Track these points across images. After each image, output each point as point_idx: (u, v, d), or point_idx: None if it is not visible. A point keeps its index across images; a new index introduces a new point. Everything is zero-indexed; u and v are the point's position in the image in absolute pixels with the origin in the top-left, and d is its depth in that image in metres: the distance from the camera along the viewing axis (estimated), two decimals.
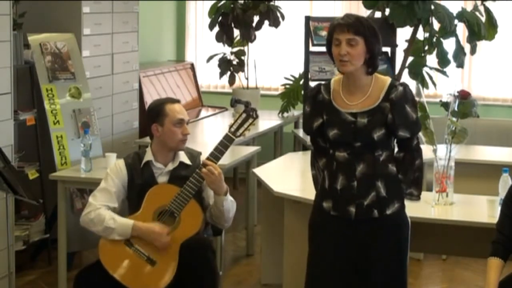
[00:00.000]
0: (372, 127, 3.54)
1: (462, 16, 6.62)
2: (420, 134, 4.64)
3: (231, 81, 8.05)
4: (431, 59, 6.84)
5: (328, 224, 3.64)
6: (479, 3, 6.77)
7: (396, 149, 3.68)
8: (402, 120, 3.56)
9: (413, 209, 3.94)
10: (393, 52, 6.79)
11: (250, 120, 4.21)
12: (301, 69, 7.50)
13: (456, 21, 6.60)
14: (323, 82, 3.70)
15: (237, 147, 6.08)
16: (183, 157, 4.31)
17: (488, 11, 6.72)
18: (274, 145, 8.02)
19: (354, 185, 3.56)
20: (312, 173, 3.81)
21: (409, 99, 3.59)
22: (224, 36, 7.86)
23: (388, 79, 3.63)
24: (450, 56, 6.73)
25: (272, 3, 7.88)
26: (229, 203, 4.24)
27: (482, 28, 6.59)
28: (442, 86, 7.35)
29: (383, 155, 3.59)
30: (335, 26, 3.56)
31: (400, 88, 3.58)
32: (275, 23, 7.86)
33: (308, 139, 6.64)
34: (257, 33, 7.91)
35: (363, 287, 3.63)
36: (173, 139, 4.24)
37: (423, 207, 4.55)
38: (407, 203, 3.70)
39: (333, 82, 3.67)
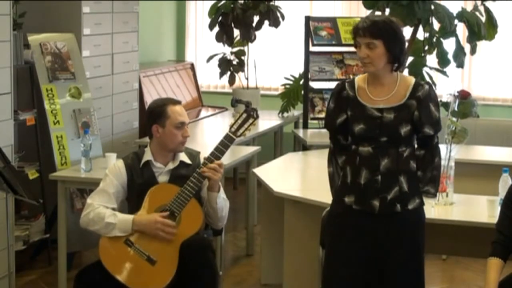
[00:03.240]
0: (399, 122, 3.65)
1: (462, 16, 6.63)
2: None
3: (231, 81, 8.05)
4: (431, 59, 6.85)
5: (350, 218, 3.72)
6: (479, 3, 6.78)
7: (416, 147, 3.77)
8: (428, 117, 3.67)
9: None
10: None
11: (251, 120, 4.21)
12: (301, 69, 7.51)
13: (456, 21, 6.60)
14: (347, 79, 3.82)
15: (237, 147, 6.08)
16: (183, 156, 4.31)
17: (488, 11, 6.72)
18: (274, 145, 8.02)
19: (378, 179, 3.65)
20: (329, 170, 3.88)
21: (433, 98, 3.71)
22: (224, 36, 7.86)
23: (412, 78, 3.76)
24: (450, 56, 6.73)
25: (272, 3, 7.88)
26: (222, 201, 4.25)
27: (482, 28, 6.60)
28: (442, 86, 7.35)
29: (407, 151, 3.68)
30: (354, 30, 3.68)
31: (426, 87, 3.70)
32: (275, 23, 7.85)
33: (308, 139, 6.71)
34: (257, 33, 7.91)
35: (382, 280, 3.68)
36: (173, 141, 4.24)
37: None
38: None
39: (358, 79, 3.77)
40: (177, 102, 4.34)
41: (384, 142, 3.65)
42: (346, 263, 3.70)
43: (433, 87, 3.76)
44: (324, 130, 7.25)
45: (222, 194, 4.26)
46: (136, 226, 4.12)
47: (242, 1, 7.82)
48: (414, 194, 3.70)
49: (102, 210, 4.17)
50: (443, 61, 6.74)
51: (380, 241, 3.68)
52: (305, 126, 7.22)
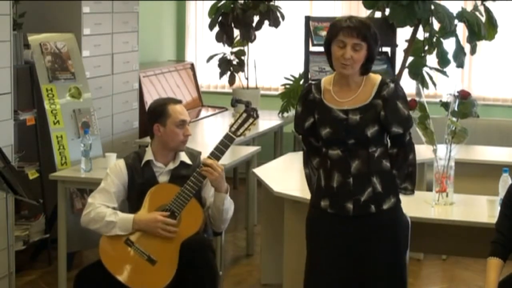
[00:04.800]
0: (365, 124, 3.57)
1: (462, 16, 6.63)
2: (420, 133, 4.67)
3: (231, 81, 8.05)
4: (431, 59, 6.84)
5: (326, 222, 3.67)
6: (479, 3, 6.78)
7: (389, 145, 3.70)
8: (395, 116, 3.59)
9: (413, 209, 3.95)
10: (393, 52, 6.78)
11: (251, 120, 4.21)
12: (301, 69, 7.50)
13: (456, 21, 6.60)
14: (313, 82, 3.73)
15: (237, 147, 6.08)
16: (183, 156, 4.31)
17: (488, 11, 6.72)
18: (274, 145, 8.02)
19: (350, 182, 3.59)
20: (305, 172, 3.83)
21: (400, 95, 3.63)
22: (224, 36, 7.87)
23: (378, 77, 3.66)
24: (450, 56, 6.73)
25: (272, 3, 7.88)
26: (229, 203, 4.25)
27: (482, 28, 6.60)
28: (442, 86, 7.35)
29: (378, 151, 3.62)
30: (341, 28, 3.56)
31: (392, 85, 3.61)
32: (275, 23, 7.86)
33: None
34: (257, 33, 7.91)
35: (363, 283, 3.65)
36: (174, 139, 4.24)
37: (423, 207, 4.55)
38: (404, 199, 3.74)
39: (324, 81, 3.69)
40: (178, 101, 4.35)
41: (352, 144, 3.58)
42: (326, 269, 3.65)
43: (400, 84, 3.67)
44: None
45: (228, 197, 4.26)
46: (136, 224, 4.12)
47: (242, 1, 7.82)
48: (389, 193, 3.64)
49: (103, 209, 4.17)
50: (443, 61, 6.73)
51: (358, 243, 3.63)
52: None
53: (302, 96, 3.73)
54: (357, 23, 3.55)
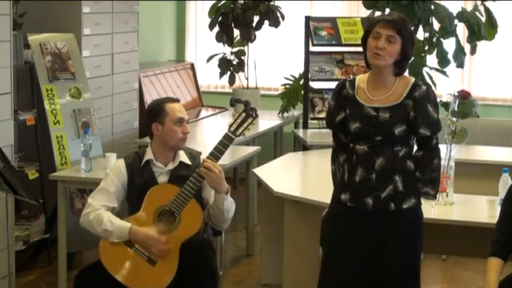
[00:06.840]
0: (394, 122, 3.63)
1: (462, 16, 6.63)
2: None
3: (231, 81, 8.05)
4: (431, 59, 6.85)
5: (345, 215, 3.72)
6: (479, 3, 6.78)
7: (415, 148, 3.75)
8: (424, 118, 3.65)
9: None
10: None
11: (250, 120, 4.21)
12: (301, 69, 7.51)
13: (456, 21, 6.61)
14: (349, 78, 3.80)
15: (237, 147, 6.08)
16: (183, 157, 4.31)
17: (488, 11, 6.73)
18: (274, 145, 8.02)
19: (372, 178, 3.64)
20: (331, 168, 3.88)
21: (431, 99, 3.69)
22: (224, 36, 7.87)
23: (411, 78, 3.75)
24: (450, 56, 6.74)
25: (272, 3, 7.88)
26: (229, 203, 4.24)
27: (482, 28, 6.60)
28: (442, 86, 7.35)
29: (402, 151, 3.67)
30: (379, 21, 3.65)
31: (424, 87, 3.69)
32: (275, 23, 7.86)
33: (308, 139, 6.72)
34: (257, 33, 7.91)
35: (378, 279, 3.68)
36: (173, 137, 4.24)
37: (423, 207, 4.54)
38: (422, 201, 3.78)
39: (359, 79, 3.76)
40: (176, 100, 4.36)
41: (379, 141, 3.64)
42: (344, 263, 3.69)
43: (432, 87, 3.75)
44: (324, 130, 7.33)
45: (229, 197, 4.25)
46: (132, 235, 4.11)
47: (242, 1, 7.82)
48: (411, 193, 3.68)
49: (102, 213, 4.16)
50: (443, 61, 6.74)
51: (375, 239, 3.67)
52: (305, 126, 7.22)
53: (336, 92, 3.79)
54: (394, 17, 3.66)
